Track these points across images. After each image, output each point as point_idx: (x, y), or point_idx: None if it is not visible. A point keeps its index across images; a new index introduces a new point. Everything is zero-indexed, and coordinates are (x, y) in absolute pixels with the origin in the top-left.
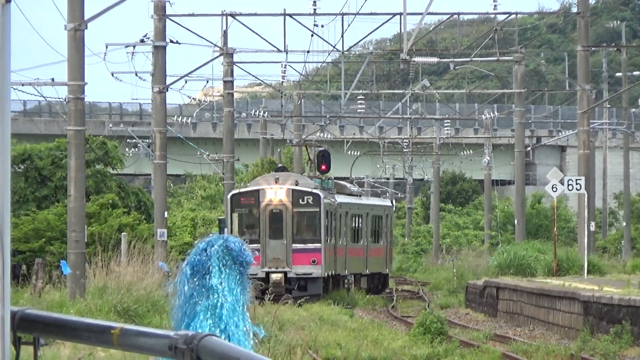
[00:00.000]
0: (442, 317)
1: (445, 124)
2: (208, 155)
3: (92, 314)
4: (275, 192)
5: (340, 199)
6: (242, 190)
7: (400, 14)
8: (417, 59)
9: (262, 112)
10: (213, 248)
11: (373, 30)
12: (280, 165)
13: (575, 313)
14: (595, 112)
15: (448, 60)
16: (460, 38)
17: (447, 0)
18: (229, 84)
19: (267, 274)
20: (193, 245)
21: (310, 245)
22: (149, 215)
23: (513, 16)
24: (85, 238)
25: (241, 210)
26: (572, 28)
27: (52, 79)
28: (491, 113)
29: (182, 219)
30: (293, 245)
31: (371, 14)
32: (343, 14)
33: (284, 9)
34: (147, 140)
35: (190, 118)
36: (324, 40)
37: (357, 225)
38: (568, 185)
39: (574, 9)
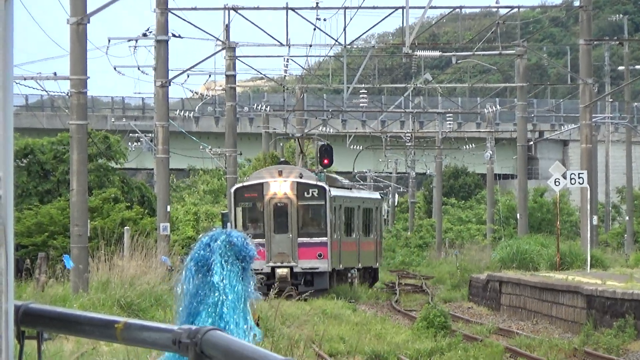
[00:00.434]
0: (445, 311)
1: (448, 118)
2: (210, 149)
3: (95, 309)
4: (280, 185)
5: (333, 192)
6: (245, 183)
7: (403, 7)
8: (419, 52)
9: (264, 106)
10: (216, 243)
11: (375, 24)
12: (282, 159)
13: (578, 307)
14: (598, 106)
15: (450, 54)
16: (462, 32)
17: None
18: (231, 78)
19: (273, 269)
20: (197, 240)
21: (316, 239)
22: (152, 210)
23: (515, 10)
24: (88, 232)
25: (245, 204)
26: (575, 22)
27: (55, 73)
28: (493, 107)
29: (185, 213)
30: (298, 239)
31: (373, 7)
32: (345, 8)
33: (287, 3)
34: (150, 135)
35: (192, 112)
36: (326, 34)
37: (349, 218)
38: (571, 179)
39: (577, 3)
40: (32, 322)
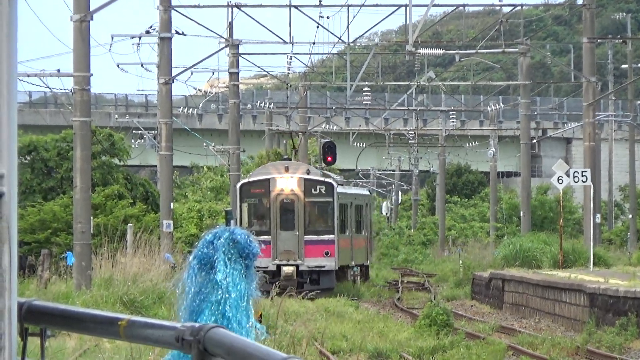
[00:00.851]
0: (448, 309)
1: (451, 116)
2: (214, 146)
3: (98, 306)
4: (287, 182)
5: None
6: (251, 179)
7: (406, 5)
8: (422, 50)
9: (267, 103)
10: (219, 241)
11: (379, 22)
12: (285, 156)
13: (581, 305)
14: (601, 104)
15: (453, 52)
16: (465, 30)
17: None
18: (234, 75)
19: (279, 267)
20: (200, 237)
21: (323, 237)
22: (156, 206)
23: (518, 8)
24: (91, 229)
25: (251, 200)
26: (578, 20)
27: (58, 70)
28: (496, 105)
29: (188, 211)
30: (305, 236)
31: (376, 5)
32: (348, 6)
33: (290, 1)
34: (153, 132)
35: (195, 109)
36: (330, 31)
37: (343, 215)
38: (574, 177)
39: (580, 1)
40: (36, 319)
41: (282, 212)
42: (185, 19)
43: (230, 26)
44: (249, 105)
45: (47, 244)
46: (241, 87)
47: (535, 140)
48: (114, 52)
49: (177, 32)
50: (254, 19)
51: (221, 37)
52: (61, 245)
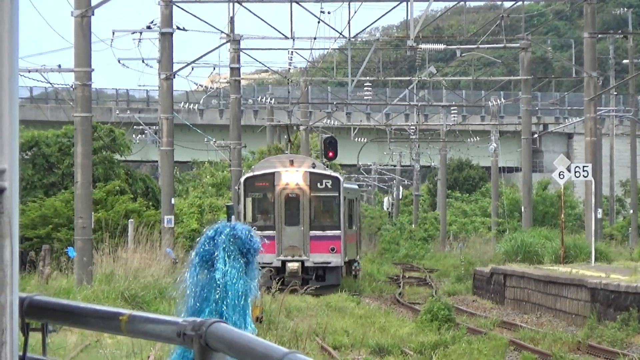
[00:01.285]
0: (449, 304)
1: (452, 111)
2: (215, 142)
3: (99, 301)
4: (292, 176)
5: None
6: (256, 173)
7: (407, 0)
8: (423, 45)
9: (268, 98)
10: (220, 237)
11: (380, 17)
12: (286, 151)
13: (582, 300)
14: (602, 99)
15: (455, 47)
16: (466, 25)
17: None
18: (235, 70)
19: (283, 262)
20: (202, 233)
21: (329, 233)
22: (157, 202)
23: (520, 3)
24: (92, 224)
25: (255, 194)
26: (579, 15)
27: (59, 66)
28: (498, 100)
29: (189, 206)
30: (310, 232)
31: (377, 0)
32: (350, 1)
33: None
34: (154, 127)
35: (197, 105)
36: (331, 27)
37: (350, 210)
38: (575, 172)
39: None
40: (37, 314)
41: (287, 206)
42: (186, 14)
43: (232, 21)
44: (250, 101)
45: (49, 240)
46: (242, 82)
47: (536, 136)
48: (115, 47)
49: (178, 28)
50: (255, 14)
51: (222, 32)
52: (62, 240)
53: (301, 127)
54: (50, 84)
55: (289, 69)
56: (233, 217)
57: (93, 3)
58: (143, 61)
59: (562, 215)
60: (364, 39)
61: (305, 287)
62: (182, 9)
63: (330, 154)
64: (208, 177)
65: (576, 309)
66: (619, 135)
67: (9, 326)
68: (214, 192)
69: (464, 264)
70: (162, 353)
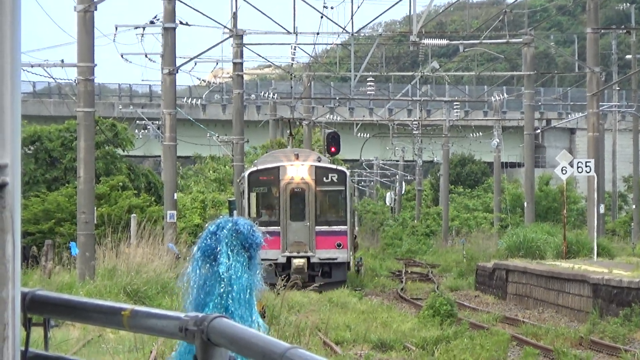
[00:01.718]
0: (451, 299)
1: (455, 106)
2: (217, 137)
3: (102, 296)
4: (297, 169)
5: None
6: (260, 167)
7: None
8: (426, 41)
9: (271, 93)
10: (223, 232)
11: (383, 12)
12: (288, 147)
13: (584, 296)
14: (605, 94)
15: (457, 42)
16: (469, 20)
17: None
18: (238, 65)
19: (289, 259)
20: (204, 228)
21: (335, 228)
22: (159, 197)
23: None
24: (94, 219)
25: (259, 189)
26: (582, 10)
27: (62, 61)
28: (500, 95)
29: (192, 201)
30: (316, 227)
31: None
32: None
33: None
34: (157, 122)
35: (199, 100)
36: (334, 22)
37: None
38: (577, 167)
39: None
40: (39, 309)
41: (292, 201)
42: (189, 9)
43: (234, 16)
44: (253, 96)
45: (51, 234)
46: (245, 77)
47: (539, 131)
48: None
49: (181, 23)
50: (258, 9)
51: (225, 27)
52: (65, 235)
53: (304, 122)
54: (53, 78)
55: (292, 64)
56: (235, 212)
57: None
58: (146, 56)
59: (565, 211)
60: (367, 34)
61: (311, 285)
62: (185, 3)
63: (333, 149)
64: (211, 172)
65: (578, 304)
66: (622, 130)
67: (10, 321)
68: (217, 187)
69: (466, 260)
70: (165, 348)
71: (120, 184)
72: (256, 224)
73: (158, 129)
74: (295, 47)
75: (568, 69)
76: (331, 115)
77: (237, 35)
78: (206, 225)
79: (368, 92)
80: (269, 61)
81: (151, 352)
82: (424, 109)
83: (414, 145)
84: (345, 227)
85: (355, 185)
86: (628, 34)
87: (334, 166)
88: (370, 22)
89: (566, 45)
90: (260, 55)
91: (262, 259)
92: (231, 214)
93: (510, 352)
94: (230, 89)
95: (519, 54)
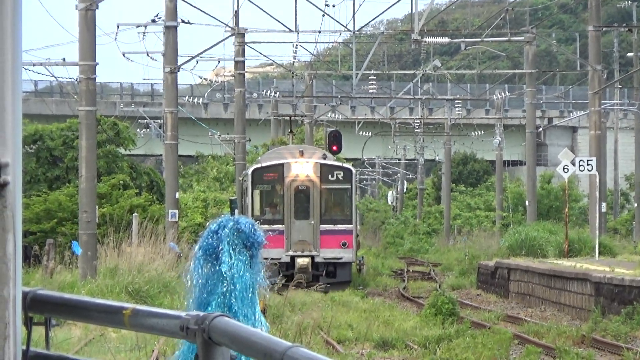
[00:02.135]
0: (453, 298)
1: (457, 105)
2: (219, 135)
3: (103, 295)
4: (302, 167)
5: None
6: (264, 164)
7: None
8: (428, 39)
9: (273, 92)
10: (224, 231)
11: (384, 10)
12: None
13: (586, 294)
14: (607, 92)
15: (459, 40)
16: (471, 18)
17: None
18: (240, 64)
19: (293, 258)
20: (205, 227)
21: (340, 227)
22: (161, 196)
23: None
24: (96, 219)
25: (263, 186)
26: (584, 8)
27: (63, 59)
28: (502, 93)
29: (194, 200)
30: (321, 226)
31: None
32: None
33: None
34: (159, 121)
35: (201, 98)
36: (335, 20)
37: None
38: (579, 166)
39: None
40: (40, 308)
41: (297, 199)
42: (191, 8)
43: (236, 15)
44: (255, 94)
45: (53, 234)
46: (247, 76)
47: (540, 129)
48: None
49: (182, 21)
50: (259, 7)
51: (227, 25)
52: (67, 234)
53: (306, 121)
54: (55, 77)
55: (294, 62)
56: (236, 211)
57: None
58: (148, 55)
59: (567, 209)
60: (368, 33)
61: (315, 285)
62: (187, 2)
63: (335, 147)
64: (214, 171)
65: (580, 302)
66: (624, 128)
67: (12, 320)
68: (218, 186)
69: (468, 258)
70: (166, 347)
71: (122, 182)
72: (259, 222)
73: (160, 127)
74: (297, 45)
75: (570, 67)
76: (333, 114)
77: (239, 34)
78: (207, 224)
79: (370, 91)
80: (270, 59)
81: (153, 351)
82: (426, 107)
83: (416, 143)
84: (351, 226)
85: (357, 184)
86: (630, 32)
87: (339, 164)
88: (372, 20)
89: (568, 43)
90: (262, 54)
91: (265, 258)
92: (232, 213)
93: (512, 351)
94: (232, 88)
95: (520, 52)
